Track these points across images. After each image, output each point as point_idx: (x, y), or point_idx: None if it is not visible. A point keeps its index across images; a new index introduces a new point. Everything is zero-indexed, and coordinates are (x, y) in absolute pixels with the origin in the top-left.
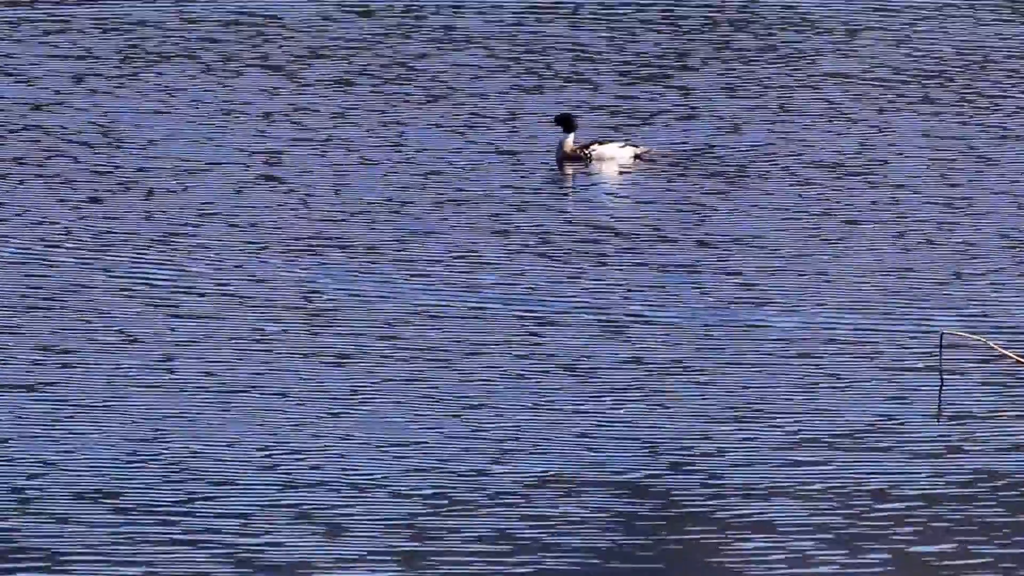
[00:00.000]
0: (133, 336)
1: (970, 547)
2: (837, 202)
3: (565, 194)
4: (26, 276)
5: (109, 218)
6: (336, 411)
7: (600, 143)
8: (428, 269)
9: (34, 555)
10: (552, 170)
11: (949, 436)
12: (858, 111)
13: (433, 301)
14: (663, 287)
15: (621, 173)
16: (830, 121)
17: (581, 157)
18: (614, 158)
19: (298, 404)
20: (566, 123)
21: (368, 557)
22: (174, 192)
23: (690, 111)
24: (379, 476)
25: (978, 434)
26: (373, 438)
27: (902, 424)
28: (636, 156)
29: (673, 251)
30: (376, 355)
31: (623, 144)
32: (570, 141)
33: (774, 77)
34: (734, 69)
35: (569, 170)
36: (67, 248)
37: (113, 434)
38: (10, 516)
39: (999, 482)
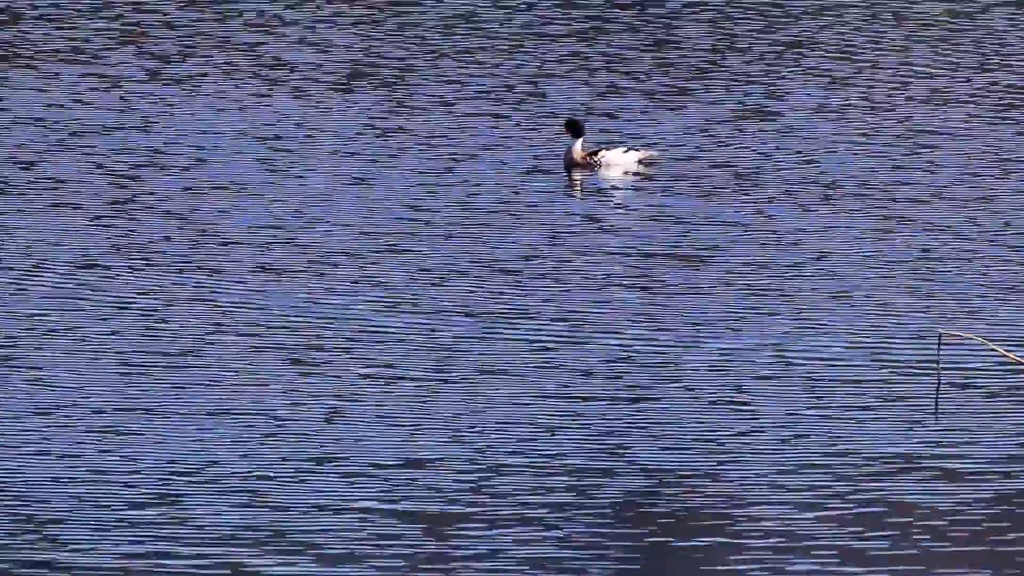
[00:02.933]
0: (130, 355)
1: (969, 548)
2: (841, 208)
3: (572, 204)
4: (17, 298)
5: (122, 236)
6: (337, 429)
7: (607, 149)
8: (432, 282)
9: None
10: (561, 177)
11: (947, 436)
12: (889, 126)
13: (435, 314)
14: (668, 304)
15: (627, 179)
16: (854, 133)
17: (589, 164)
18: (620, 164)
19: (298, 423)
20: (574, 128)
21: None
22: (197, 211)
23: (705, 117)
24: (379, 497)
25: (976, 434)
26: (374, 458)
27: (900, 424)
28: (639, 161)
29: (676, 266)
30: (378, 369)
31: (626, 149)
32: (578, 147)
33: (805, 86)
34: (766, 76)
35: (577, 177)
36: (65, 266)
37: (97, 450)
38: (8, 539)
39: (997, 482)
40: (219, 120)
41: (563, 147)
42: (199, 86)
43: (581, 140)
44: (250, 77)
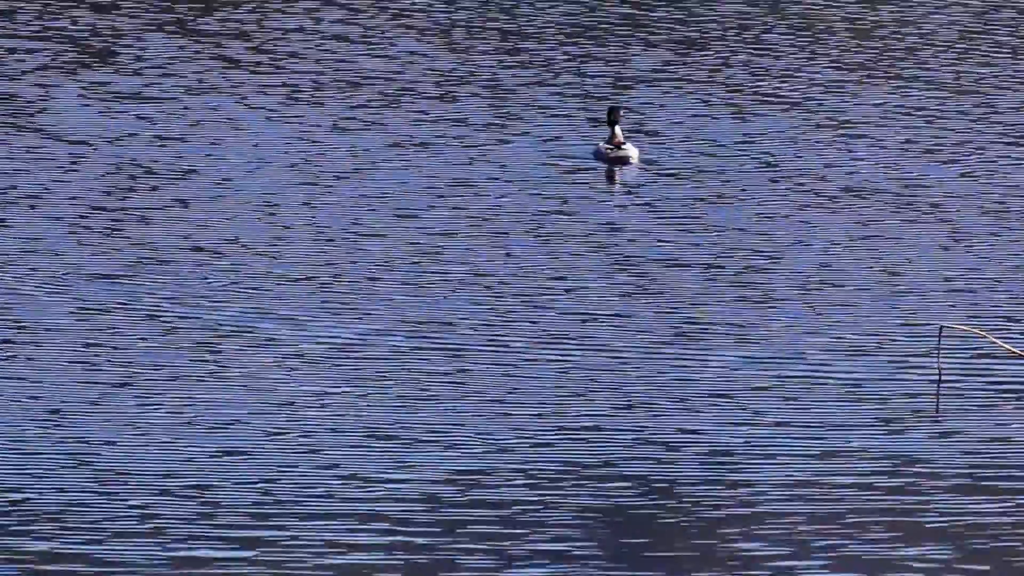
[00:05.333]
0: (137, 361)
1: (967, 544)
2: (841, 203)
3: (602, 200)
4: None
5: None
6: (344, 435)
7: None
8: (451, 287)
9: None
10: (598, 169)
11: (947, 430)
12: (907, 127)
13: (447, 323)
14: (667, 307)
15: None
16: (872, 136)
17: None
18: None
19: (312, 432)
20: (610, 116)
21: None
22: (203, 217)
23: (730, 115)
24: (380, 506)
25: (976, 428)
26: (381, 466)
27: (899, 417)
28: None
29: (680, 267)
30: (383, 376)
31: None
32: (618, 134)
33: (840, 91)
34: (801, 79)
35: (615, 170)
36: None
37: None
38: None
39: (997, 476)
40: (261, 129)
41: (602, 136)
42: (251, 96)
43: (617, 128)
44: (300, 88)
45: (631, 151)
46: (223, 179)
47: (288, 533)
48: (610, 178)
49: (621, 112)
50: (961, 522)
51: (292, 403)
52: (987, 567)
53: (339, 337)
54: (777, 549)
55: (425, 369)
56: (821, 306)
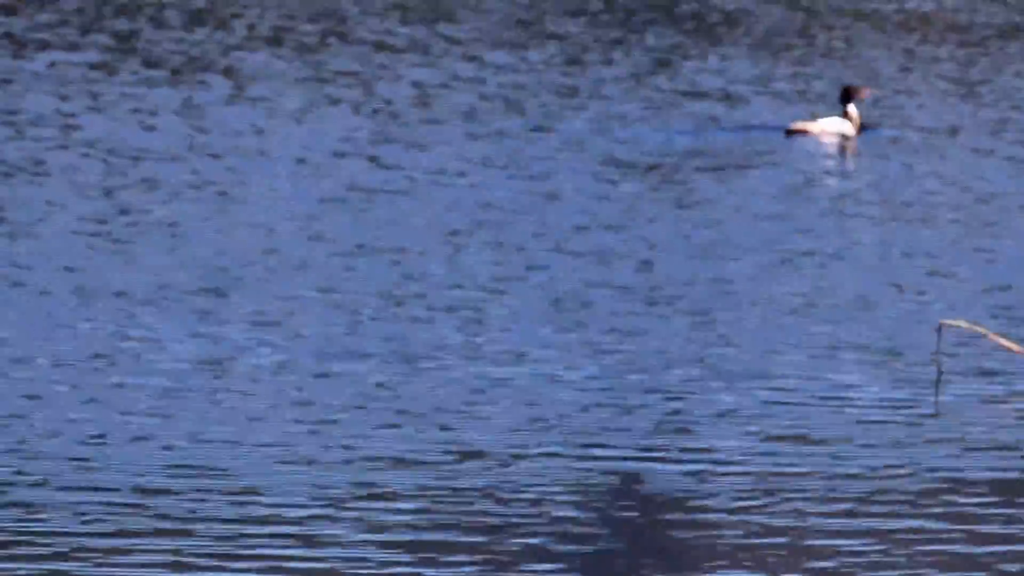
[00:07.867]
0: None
1: (967, 540)
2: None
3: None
4: None
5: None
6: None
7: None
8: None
9: None
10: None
11: (946, 426)
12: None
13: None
14: (673, 307)
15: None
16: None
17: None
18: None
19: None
20: (844, 95)
21: None
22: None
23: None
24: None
25: (976, 424)
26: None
27: (899, 414)
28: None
29: (682, 269)
30: (402, 384)
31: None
32: (852, 112)
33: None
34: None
35: (851, 145)
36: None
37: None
38: None
39: (996, 472)
40: (313, 138)
41: (835, 112)
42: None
43: (852, 106)
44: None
45: (822, 126)
46: (269, 192)
47: (268, 551)
48: (789, 134)
49: (864, 92)
50: (960, 522)
51: (307, 416)
52: (987, 567)
53: (363, 345)
54: (776, 549)
55: (435, 377)
56: (821, 305)
